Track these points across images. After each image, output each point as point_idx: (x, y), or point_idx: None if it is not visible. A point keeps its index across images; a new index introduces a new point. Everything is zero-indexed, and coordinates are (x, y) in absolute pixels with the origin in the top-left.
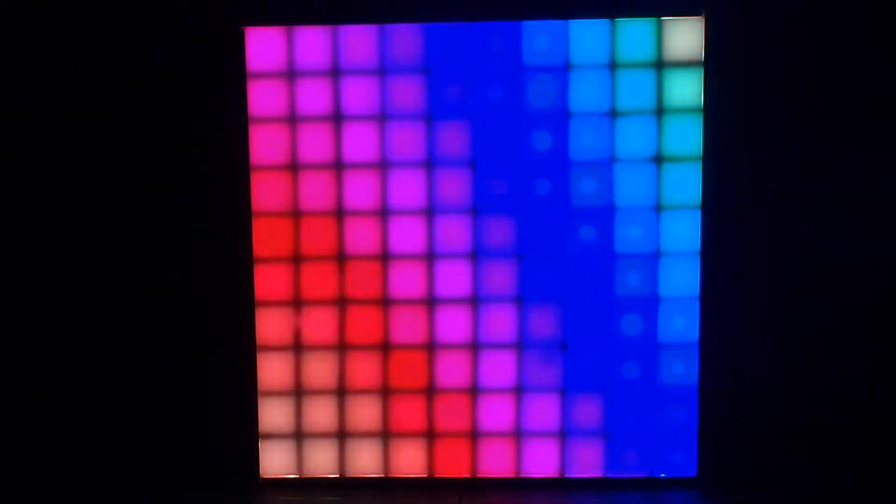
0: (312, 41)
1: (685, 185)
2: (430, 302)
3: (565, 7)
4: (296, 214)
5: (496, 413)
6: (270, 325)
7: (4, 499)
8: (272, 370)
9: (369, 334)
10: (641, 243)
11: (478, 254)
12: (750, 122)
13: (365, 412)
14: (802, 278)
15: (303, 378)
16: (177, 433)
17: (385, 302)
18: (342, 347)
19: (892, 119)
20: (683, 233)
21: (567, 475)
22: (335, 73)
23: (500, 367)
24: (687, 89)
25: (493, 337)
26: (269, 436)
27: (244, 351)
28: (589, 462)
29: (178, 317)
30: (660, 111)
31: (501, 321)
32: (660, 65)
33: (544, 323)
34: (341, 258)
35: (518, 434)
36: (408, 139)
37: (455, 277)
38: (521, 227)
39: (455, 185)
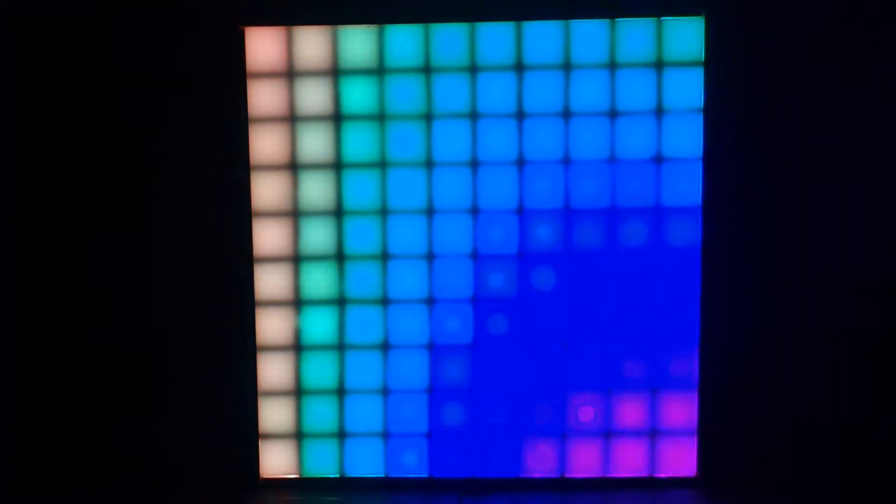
0: (312, 41)
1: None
2: (430, 301)
3: (565, 7)
4: (295, 214)
5: (497, 412)
6: (270, 325)
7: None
8: (272, 370)
9: (370, 333)
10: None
11: (479, 254)
12: (750, 122)
13: (365, 412)
14: (803, 278)
15: (303, 378)
16: (176, 433)
17: (385, 301)
18: (342, 347)
19: (893, 119)
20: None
21: (567, 475)
22: (335, 72)
23: (499, 366)
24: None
25: (493, 336)
26: (269, 436)
27: (244, 351)
28: (589, 462)
29: (179, 316)
30: (659, 111)
31: (502, 320)
32: (660, 65)
33: (544, 322)
34: (341, 257)
35: (519, 433)
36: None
37: (456, 277)
38: (524, 227)
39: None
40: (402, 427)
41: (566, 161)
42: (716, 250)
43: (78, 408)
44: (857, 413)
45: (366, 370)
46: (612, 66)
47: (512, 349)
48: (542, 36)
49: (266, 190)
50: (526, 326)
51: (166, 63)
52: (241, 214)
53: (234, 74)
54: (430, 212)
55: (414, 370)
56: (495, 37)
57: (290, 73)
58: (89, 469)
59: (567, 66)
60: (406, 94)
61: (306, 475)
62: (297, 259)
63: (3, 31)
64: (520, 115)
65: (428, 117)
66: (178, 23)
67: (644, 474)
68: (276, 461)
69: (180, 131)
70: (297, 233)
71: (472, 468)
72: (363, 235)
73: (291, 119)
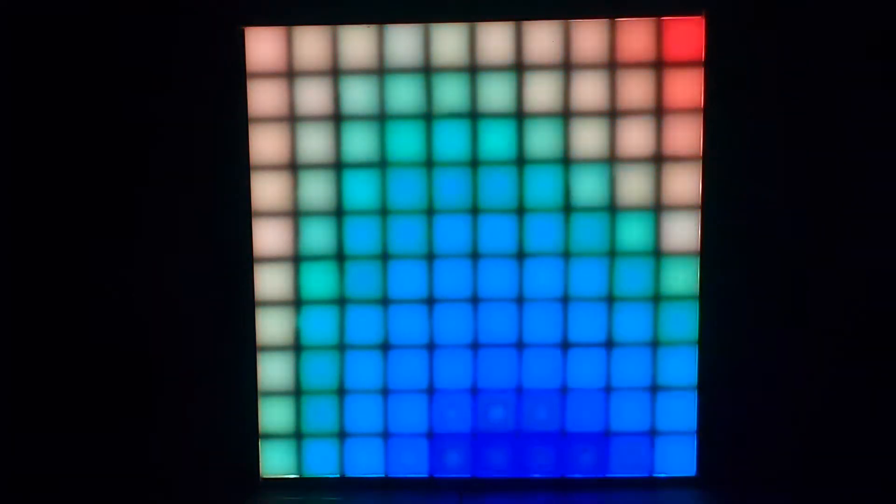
0: (312, 41)
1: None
2: (430, 301)
3: (566, 7)
4: (295, 214)
5: (498, 412)
6: (270, 324)
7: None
8: (272, 370)
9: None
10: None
11: (479, 254)
12: (750, 123)
13: (365, 412)
14: (802, 278)
15: (303, 378)
16: (176, 433)
17: (385, 301)
18: (342, 347)
19: (893, 119)
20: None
21: (567, 475)
22: (335, 72)
23: (501, 366)
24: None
25: (495, 337)
26: (269, 436)
27: (244, 351)
28: (589, 462)
29: (178, 316)
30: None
31: (503, 320)
32: (660, 65)
33: (546, 323)
34: (341, 257)
35: (519, 434)
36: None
37: (455, 278)
38: (523, 226)
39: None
40: (403, 427)
41: (566, 162)
42: (715, 250)
43: (78, 408)
44: (857, 412)
45: (366, 370)
46: (612, 65)
47: (512, 348)
48: (544, 35)
49: (266, 190)
50: (525, 325)
51: (166, 63)
52: (241, 214)
53: (234, 74)
54: (430, 212)
55: (414, 370)
56: (495, 36)
57: (290, 73)
58: (89, 469)
59: (567, 66)
60: (406, 93)
61: (306, 475)
62: (297, 259)
63: (2, 30)
64: (520, 116)
65: (428, 117)
66: (178, 23)
67: (644, 474)
68: (276, 461)
69: (180, 131)
70: (297, 233)
71: (473, 468)
72: (363, 235)
73: (291, 119)
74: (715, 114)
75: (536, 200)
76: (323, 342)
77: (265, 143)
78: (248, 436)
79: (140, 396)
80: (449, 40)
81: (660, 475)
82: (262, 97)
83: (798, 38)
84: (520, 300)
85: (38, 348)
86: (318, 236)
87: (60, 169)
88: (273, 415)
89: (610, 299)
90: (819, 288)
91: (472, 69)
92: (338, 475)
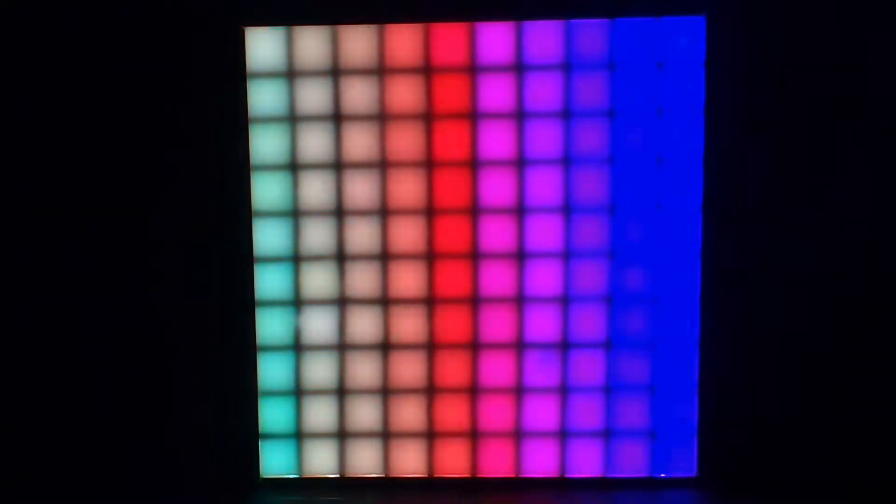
0: (312, 41)
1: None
2: (430, 302)
3: (566, 7)
4: (296, 214)
5: (497, 413)
6: (270, 325)
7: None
8: (272, 370)
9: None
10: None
11: (480, 257)
12: (750, 122)
13: (365, 412)
14: (802, 278)
15: (303, 378)
16: (177, 433)
17: (384, 302)
18: (342, 347)
19: (893, 119)
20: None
21: (567, 475)
22: (335, 72)
23: (501, 367)
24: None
25: (494, 337)
26: (269, 436)
27: (244, 351)
28: (589, 462)
29: (179, 316)
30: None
31: (502, 320)
32: (660, 64)
33: (547, 323)
34: (341, 258)
35: (518, 434)
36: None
37: (457, 277)
38: (523, 227)
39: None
40: (403, 427)
41: (566, 161)
42: (716, 250)
43: (79, 407)
44: (856, 413)
45: (366, 370)
46: (612, 65)
47: (512, 348)
48: (543, 35)
49: (266, 190)
50: (525, 325)
51: (166, 63)
52: (241, 214)
53: (234, 74)
54: (429, 212)
55: (414, 369)
56: (495, 37)
57: (290, 73)
58: (90, 469)
59: (567, 66)
60: (406, 93)
61: (306, 475)
62: (297, 259)
63: (2, 28)
64: (519, 116)
65: (428, 117)
66: (179, 23)
67: (644, 474)
68: (276, 461)
69: (180, 131)
70: (297, 233)
71: (472, 468)
72: (363, 235)
73: (291, 119)
74: (715, 114)
75: (536, 199)
76: (323, 342)
77: (265, 143)
78: (248, 436)
79: (140, 396)
80: (448, 40)
81: (660, 475)
82: (262, 97)
83: (798, 37)
84: (519, 300)
85: (38, 348)
86: (318, 236)
87: (60, 168)
88: (273, 415)
89: (610, 299)
90: (820, 289)
91: (472, 70)
92: (338, 475)
